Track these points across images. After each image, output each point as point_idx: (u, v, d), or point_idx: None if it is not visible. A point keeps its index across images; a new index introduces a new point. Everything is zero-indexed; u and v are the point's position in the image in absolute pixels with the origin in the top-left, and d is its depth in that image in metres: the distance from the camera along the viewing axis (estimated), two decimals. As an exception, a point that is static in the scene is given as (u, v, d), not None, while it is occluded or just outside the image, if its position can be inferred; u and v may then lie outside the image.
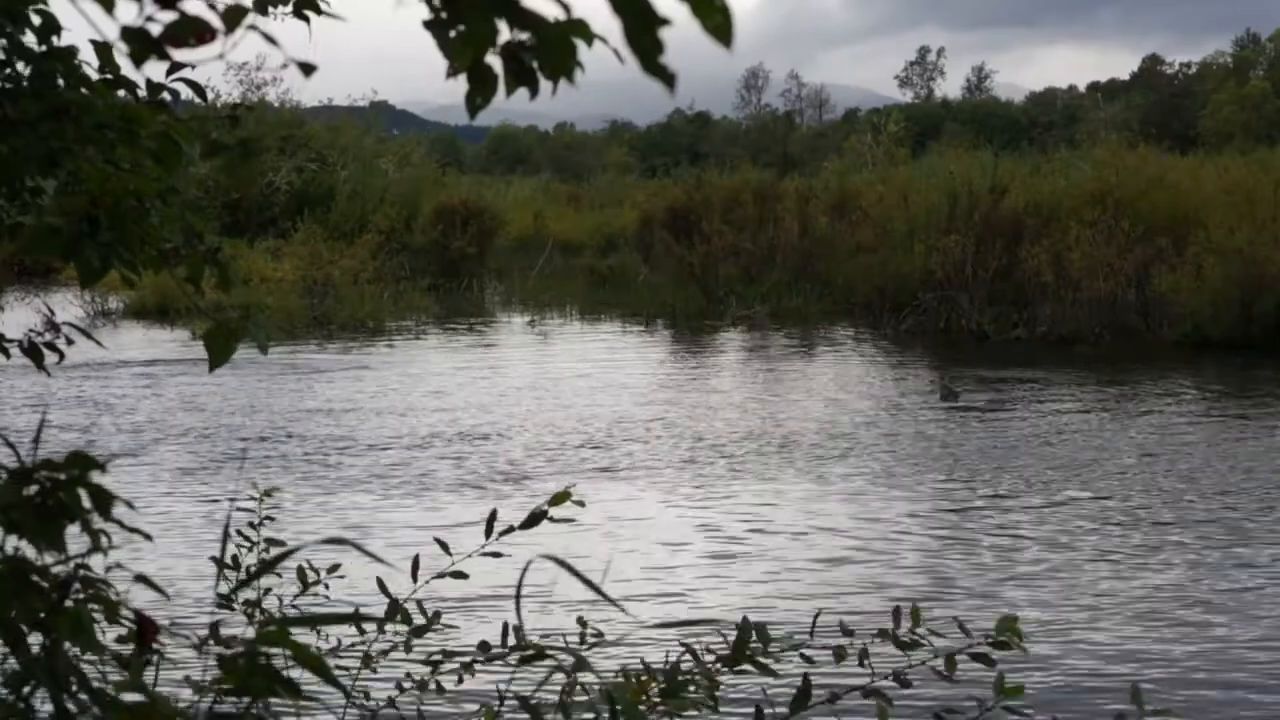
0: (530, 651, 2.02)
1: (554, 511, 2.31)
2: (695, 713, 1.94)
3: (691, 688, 1.95)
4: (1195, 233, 18.93)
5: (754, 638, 2.04)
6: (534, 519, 2.28)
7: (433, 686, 2.40)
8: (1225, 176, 21.48)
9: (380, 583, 2.34)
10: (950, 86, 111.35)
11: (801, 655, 2.05)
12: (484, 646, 2.25)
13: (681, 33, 1.05)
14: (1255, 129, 58.89)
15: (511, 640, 2.22)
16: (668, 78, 1.00)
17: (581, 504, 2.27)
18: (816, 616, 2.15)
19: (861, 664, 2.07)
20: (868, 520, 9.16)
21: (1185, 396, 14.56)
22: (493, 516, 2.32)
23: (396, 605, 2.31)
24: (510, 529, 2.29)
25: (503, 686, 2.02)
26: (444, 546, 2.42)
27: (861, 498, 9.89)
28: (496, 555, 2.32)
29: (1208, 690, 6.01)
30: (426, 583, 2.41)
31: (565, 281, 28.97)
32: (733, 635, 2.07)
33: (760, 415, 13.48)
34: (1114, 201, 19.98)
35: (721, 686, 2.02)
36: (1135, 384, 15.54)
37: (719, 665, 2.03)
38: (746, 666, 2.02)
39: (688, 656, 2.04)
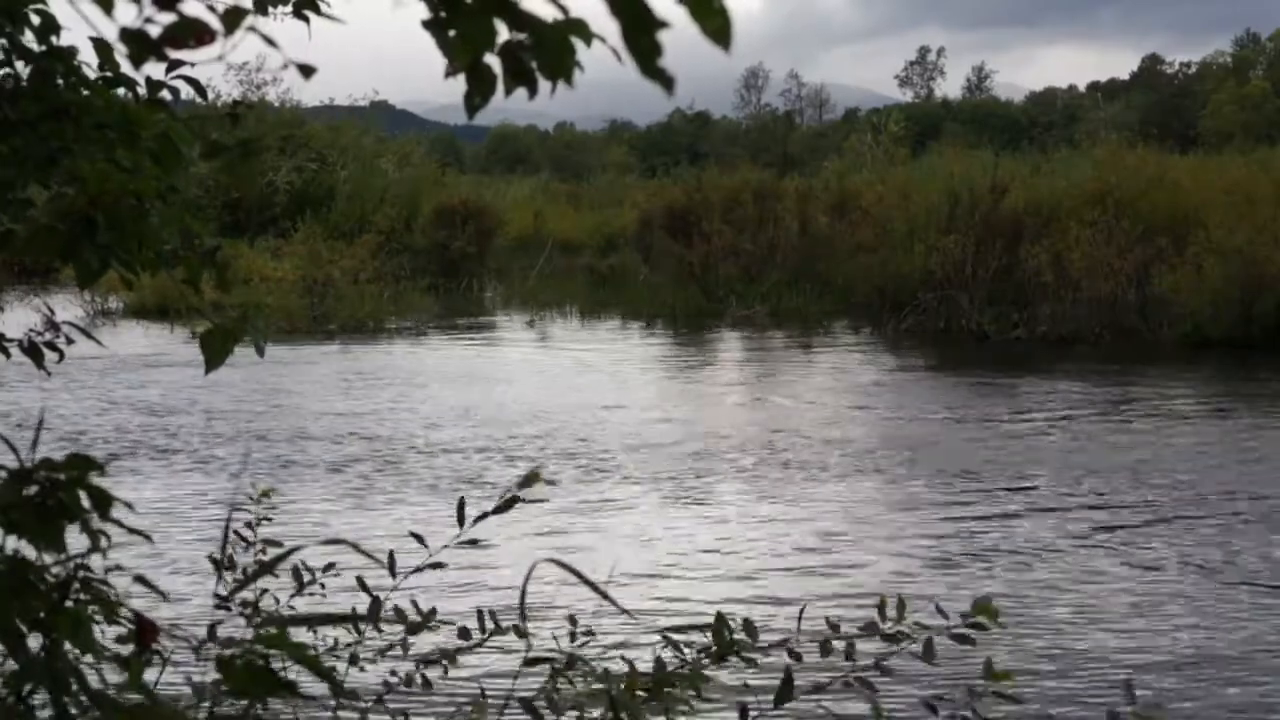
0: (507, 635, 2.02)
1: (533, 494, 2.28)
2: (684, 709, 1.94)
3: (678, 683, 1.95)
4: (1195, 233, 18.91)
5: (737, 632, 2.05)
6: (507, 504, 2.26)
7: (419, 680, 2.39)
8: (1225, 176, 21.46)
9: (360, 580, 2.32)
10: (950, 86, 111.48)
11: (789, 651, 2.06)
12: (464, 633, 2.23)
13: (681, 32, 1.05)
14: (1255, 129, 58.84)
15: (489, 625, 2.22)
16: (666, 80, 1.00)
17: (552, 482, 2.25)
18: (802, 610, 2.17)
19: (848, 658, 2.09)
20: (866, 521, 9.16)
21: (1185, 396, 14.55)
22: (461, 504, 2.30)
23: (379, 603, 2.30)
24: (484, 515, 2.27)
25: (494, 685, 2.02)
26: (420, 540, 2.39)
27: (861, 499, 9.88)
28: (474, 543, 2.30)
29: (1201, 687, 6.01)
30: (405, 577, 2.39)
31: (565, 281, 28.94)
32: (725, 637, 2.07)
33: (760, 416, 13.48)
34: (1114, 201, 19.97)
35: (709, 684, 2.03)
36: (1135, 384, 15.53)
37: (705, 659, 2.04)
38: (729, 665, 2.03)
39: (673, 653, 2.05)
